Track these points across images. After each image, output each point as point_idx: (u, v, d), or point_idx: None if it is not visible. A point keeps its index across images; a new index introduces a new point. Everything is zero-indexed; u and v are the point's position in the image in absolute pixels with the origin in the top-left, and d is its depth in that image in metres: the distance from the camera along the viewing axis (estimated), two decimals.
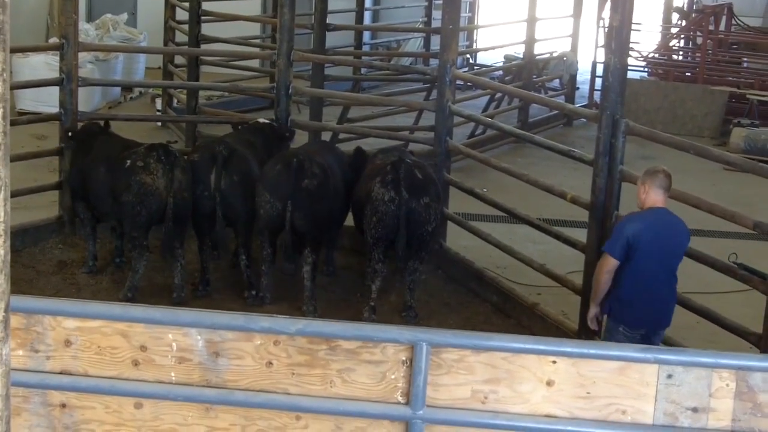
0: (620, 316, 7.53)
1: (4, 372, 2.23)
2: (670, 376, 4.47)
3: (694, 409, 4.47)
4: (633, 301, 7.44)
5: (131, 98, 20.01)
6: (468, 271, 10.70)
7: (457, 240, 11.27)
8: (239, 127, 11.29)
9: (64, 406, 4.74)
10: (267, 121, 11.39)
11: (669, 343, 8.09)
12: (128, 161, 9.75)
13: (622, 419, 4.51)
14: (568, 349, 4.57)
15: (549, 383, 4.54)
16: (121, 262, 10.64)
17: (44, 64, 17.07)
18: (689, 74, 22.33)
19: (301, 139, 11.81)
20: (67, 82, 11.32)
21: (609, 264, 7.43)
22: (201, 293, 10.04)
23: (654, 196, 7.42)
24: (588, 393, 4.53)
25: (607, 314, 7.68)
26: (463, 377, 4.59)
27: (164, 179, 9.63)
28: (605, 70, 8.99)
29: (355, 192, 10.14)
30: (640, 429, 4.50)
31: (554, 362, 4.53)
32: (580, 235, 9.31)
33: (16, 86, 14.91)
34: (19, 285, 9.48)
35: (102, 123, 10.96)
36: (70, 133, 10.87)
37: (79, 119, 11.48)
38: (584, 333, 8.87)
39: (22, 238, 10.77)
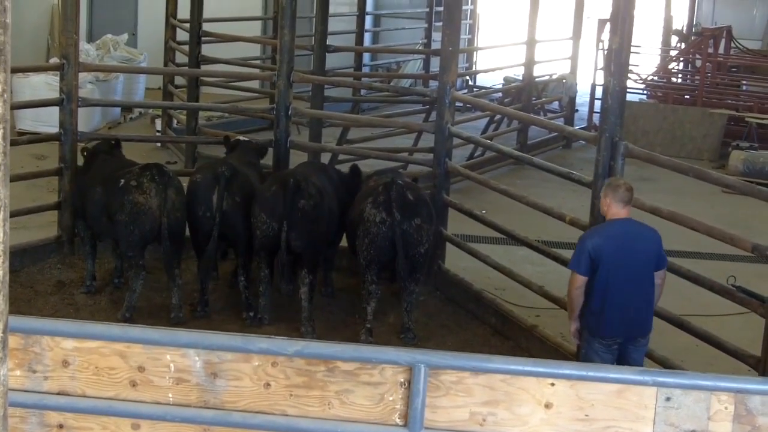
0: (594, 328, 7.69)
1: (2, 392, 2.23)
2: (668, 399, 4.46)
3: None
4: (603, 311, 7.58)
5: (131, 119, 20.04)
6: (467, 293, 10.69)
7: (455, 261, 11.27)
8: (230, 146, 11.33)
9: (61, 426, 4.73)
10: (243, 138, 11.52)
11: (667, 365, 8.09)
12: (122, 180, 9.77)
13: None
14: (567, 372, 4.57)
15: (547, 405, 4.53)
16: (119, 283, 10.64)
17: (44, 84, 17.11)
18: (688, 97, 22.37)
19: (298, 159, 11.80)
20: (67, 102, 11.34)
21: (577, 281, 7.64)
22: (200, 314, 10.02)
23: (615, 209, 7.63)
24: (586, 415, 4.52)
25: (584, 326, 7.81)
26: (461, 399, 4.58)
27: (157, 199, 9.65)
28: (604, 92, 9.00)
29: (349, 213, 10.15)
30: None
31: (553, 384, 4.53)
32: None
33: (16, 106, 14.94)
34: (17, 305, 9.47)
35: (113, 142, 11.03)
36: (84, 152, 10.90)
37: (78, 139, 11.50)
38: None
39: (20, 258, 10.76)
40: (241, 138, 11.52)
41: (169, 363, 4.64)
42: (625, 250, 7.57)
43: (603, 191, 7.81)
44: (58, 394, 4.69)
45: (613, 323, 7.60)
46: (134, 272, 9.79)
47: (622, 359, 7.71)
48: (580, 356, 8.01)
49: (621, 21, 8.55)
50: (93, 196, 10.12)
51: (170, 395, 4.65)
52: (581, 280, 7.61)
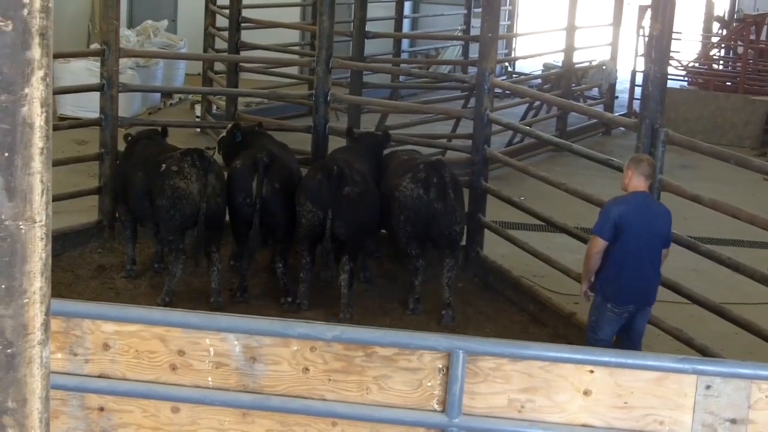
0: (608, 294, 7.91)
1: (44, 374, 2.25)
2: (708, 387, 4.44)
3: (733, 421, 4.43)
4: (619, 279, 7.83)
5: (171, 104, 20.12)
6: (505, 280, 10.66)
7: (494, 248, 11.24)
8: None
9: (102, 409, 4.77)
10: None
11: (707, 353, 8.04)
12: (163, 165, 9.82)
13: (660, 430, 4.48)
14: (606, 359, 4.56)
15: (586, 393, 4.52)
16: (159, 268, 10.70)
17: (85, 70, 17.21)
18: (730, 84, 22.16)
19: (336, 145, 11.79)
20: (108, 87, 11.41)
21: (598, 245, 7.86)
22: (239, 299, 10.06)
23: (636, 182, 7.88)
24: (625, 403, 4.50)
25: (596, 292, 8.03)
26: (499, 386, 4.58)
27: (198, 184, 9.68)
28: (645, 78, 8.94)
29: (382, 188, 10.20)
30: None
31: (591, 372, 4.51)
32: None
33: (57, 91, 15.01)
34: (58, 289, 9.56)
35: (159, 129, 11.09)
36: (127, 138, 10.94)
37: (119, 125, 11.57)
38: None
39: (62, 242, 10.85)
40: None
41: (209, 347, 4.67)
42: (645, 221, 7.83)
43: (626, 164, 8.04)
44: (98, 377, 4.73)
45: (629, 290, 7.87)
46: (174, 257, 9.85)
47: (628, 325, 8.00)
48: (589, 322, 8.20)
49: (662, 7, 8.49)
50: (134, 180, 10.19)
51: (209, 379, 4.68)
52: (603, 244, 7.84)
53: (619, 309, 7.90)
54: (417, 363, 4.58)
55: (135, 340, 4.71)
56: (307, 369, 4.63)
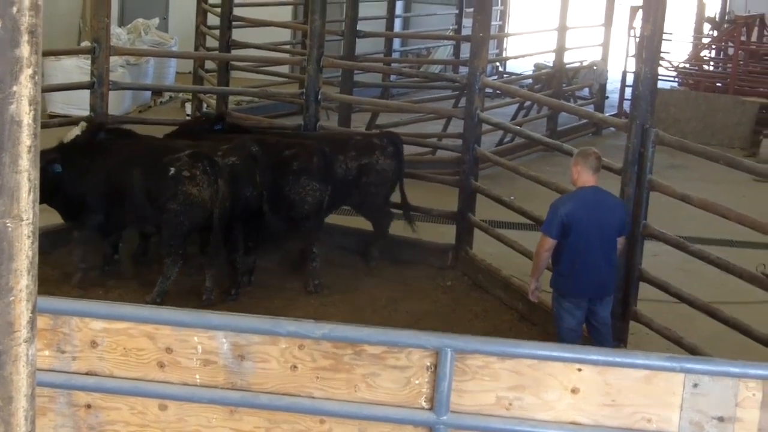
0: (563, 289, 8.18)
1: (30, 372, 2.25)
2: (696, 385, 4.44)
3: (720, 419, 4.43)
4: (572, 273, 8.06)
5: (161, 102, 20.11)
6: (494, 279, 10.67)
7: (483, 247, 11.25)
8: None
9: (89, 406, 4.76)
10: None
11: (696, 353, 8.05)
12: (172, 169, 9.70)
13: (648, 428, 4.48)
14: (594, 357, 4.56)
15: (574, 391, 4.52)
16: (109, 269, 10.59)
17: (76, 68, 17.19)
18: (720, 84, 22.21)
19: None
20: (98, 85, 11.38)
21: (547, 243, 8.07)
22: (232, 298, 10.04)
23: (585, 176, 8.10)
24: (613, 401, 4.51)
25: (552, 286, 8.30)
26: (488, 384, 4.57)
27: (209, 190, 9.65)
28: (636, 79, 8.96)
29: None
30: None
31: (580, 370, 4.51)
32: None
33: (47, 89, 14.98)
34: (46, 286, 9.53)
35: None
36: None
37: (109, 122, 11.54)
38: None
39: (52, 239, 10.80)
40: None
41: (197, 345, 4.66)
42: (595, 217, 8.01)
43: (573, 160, 8.24)
44: (86, 374, 4.72)
45: (582, 284, 8.10)
46: (172, 260, 9.76)
47: (590, 316, 8.24)
48: (553, 317, 8.43)
49: (653, 8, 8.50)
50: (125, 180, 10.00)
51: (197, 377, 4.67)
52: (551, 243, 8.03)
53: (576, 300, 8.14)
54: (405, 361, 4.58)
55: (123, 337, 4.69)
56: (296, 367, 4.63)
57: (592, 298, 8.18)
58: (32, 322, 2.28)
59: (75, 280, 10.15)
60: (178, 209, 9.66)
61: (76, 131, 10.30)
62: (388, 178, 11.04)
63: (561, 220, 7.97)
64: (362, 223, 11.53)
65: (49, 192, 9.48)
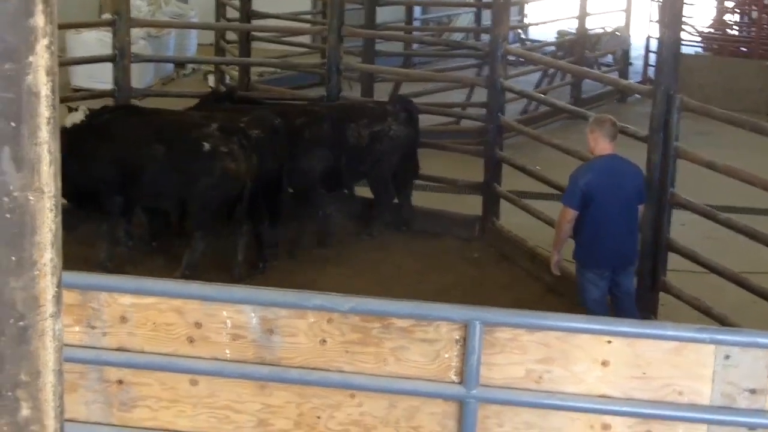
0: (586, 260, 8.19)
1: (57, 347, 2.24)
2: (727, 357, 4.42)
3: (752, 391, 4.41)
4: (594, 244, 8.07)
5: (184, 75, 20.08)
6: (521, 250, 10.63)
7: (510, 218, 11.20)
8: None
9: (120, 382, 4.78)
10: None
11: (726, 323, 8.01)
12: (205, 144, 9.67)
13: (679, 400, 4.47)
14: (624, 329, 4.54)
15: (604, 363, 4.51)
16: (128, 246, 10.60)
17: (97, 41, 17.15)
18: (744, 49, 22.00)
19: None
20: (120, 58, 11.38)
21: (568, 215, 8.08)
22: (261, 270, 10.08)
23: (603, 144, 8.12)
24: (644, 373, 4.49)
25: (576, 258, 8.31)
26: (517, 356, 4.56)
27: (245, 164, 9.68)
28: (659, 44, 8.89)
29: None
30: (697, 410, 4.45)
31: (609, 342, 4.50)
32: None
33: (69, 62, 15.00)
34: (74, 262, 9.56)
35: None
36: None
37: (133, 95, 11.55)
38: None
39: (78, 215, 10.80)
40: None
41: (226, 319, 4.67)
42: (614, 185, 8.04)
43: (589, 127, 8.24)
44: (116, 350, 4.73)
45: (605, 254, 8.09)
46: (201, 234, 9.76)
47: (613, 287, 8.26)
48: (578, 289, 8.40)
49: None
50: (146, 157, 9.86)
51: (227, 351, 4.68)
52: (573, 214, 8.03)
53: (599, 271, 8.14)
54: (434, 334, 4.57)
55: (152, 312, 4.70)
56: (324, 341, 4.63)
57: (616, 268, 8.17)
58: (58, 297, 2.27)
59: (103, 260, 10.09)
60: (213, 183, 9.64)
61: (78, 115, 10.12)
62: (400, 146, 11.01)
63: (581, 191, 7.98)
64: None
65: None
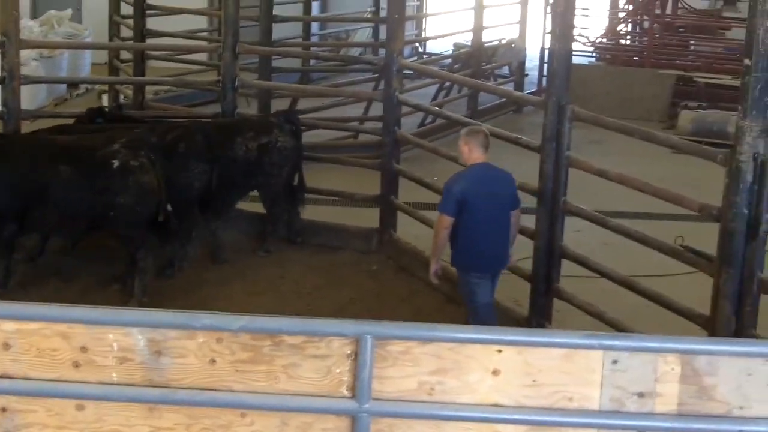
0: (465, 265, 8.41)
1: None
2: (615, 362, 4.45)
3: (640, 394, 4.45)
4: (472, 249, 8.31)
5: (78, 95, 19.77)
6: (419, 261, 10.63)
7: (408, 230, 11.24)
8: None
9: (4, 410, 4.65)
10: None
11: (619, 328, 8.12)
12: (115, 162, 9.46)
13: (569, 406, 4.49)
14: (514, 338, 4.55)
15: (495, 372, 4.51)
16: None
17: None
18: (637, 58, 22.42)
19: None
20: (9, 80, 11.13)
21: (445, 222, 8.26)
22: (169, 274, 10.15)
23: (476, 154, 8.35)
24: (534, 381, 4.50)
25: (456, 266, 8.51)
26: (409, 369, 4.54)
27: (156, 177, 9.55)
28: (550, 55, 9.00)
29: None
30: (586, 415, 4.48)
31: (500, 351, 4.50)
32: (529, 221, 9.29)
33: None
34: None
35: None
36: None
37: (22, 117, 11.32)
38: (534, 319, 8.91)
39: None
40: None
41: (113, 342, 4.57)
42: (488, 192, 8.28)
43: (462, 139, 8.46)
44: (0, 377, 4.61)
45: (483, 259, 8.37)
46: (144, 252, 9.58)
47: None
48: (463, 295, 8.61)
49: None
50: (54, 177, 9.44)
51: (114, 375, 4.58)
52: (449, 221, 8.21)
53: (480, 276, 8.36)
54: (326, 350, 4.53)
55: (36, 338, 4.58)
56: (214, 360, 4.56)
57: (493, 270, 8.48)
58: None
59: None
60: (132, 201, 9.47)
61: None
62: (289, 158, 11.01)
63: (456, 198, 8.18)
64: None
65: None
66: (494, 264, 8.47)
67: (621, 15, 25.27)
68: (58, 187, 9.43)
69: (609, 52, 22.91)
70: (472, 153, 8.36)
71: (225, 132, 10.81)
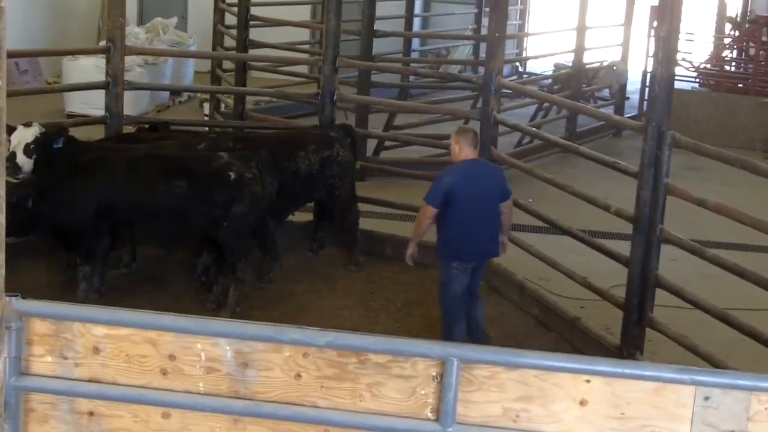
0: (448, 254, 8.76)
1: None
2: (707, 398, 4.35)
3: None
4: (458, 238, 8.68)
5: (180, 102, 20.09)
6: (510, 283, 10.58)
7: None
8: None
9: (92, 414, 4.70)
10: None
11: (711, 360, 7.95)
12: (232, 174, 9.56)
13: None
14: (603, 368, 4.46)
15: (582, 402, 4.43)
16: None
17: (94, 67, 17.14)
18: (741, 85, 22.03)
19: None
20: (113, 85, 11.35)
21: (429, 212, 8.64)
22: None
23: (466, 151, 8.75)
24: (622, 414, 4.42)
25: (440, 254, 8.85)
26: (494, 394, 4.49)
27: (261, 186, 9.87)
28: (652, 80, 8.85)
29: None
30: None
31: (588, 381, 4.43)
32: (624, 248, 9.15)
33: (63, 89, 14.96)
34: (50, 291, 9.51)
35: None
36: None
37: (124, 122, 11.51)
38: (626, 349, 8.76)
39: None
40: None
41: (200, 352, 4.60)
42: (476, 185, 8.68)
43: (453, 138, 8.88)
44: (89, 381, 4.66)
45: (469, 249, 8.75)
46: (244, 262, 9.73)
47: (470, 278, 8.89)
48: (440, 283, 8.95)
49: (669, 7, 8.39)
50: (168, 191, 9.52)
51: (201, 384, 4.61)
52: (432, 212, 8.60)
53: (464, 265, 8.74)
54: (411, 370, 4.50)
55: (126, 343, 4.64)
56: (300, 375, 4.56)
57: (478, 261, 8.90)
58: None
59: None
60: (246, 211, 9.61)
61: (32, 131, 9.73)
62: (349, 171, 11.14)
63: (444, 190, 8.54)
64: (375, 225, 11.54)
65: (30, 226, 9.27)
66: (477, 255, 8.85)
67: (726, 41, 24.89)
68: (171, 201, 9.50)
69: (713, 78, 22.54)
70: (462, 150, 8.75)
71: (288, 145, 10.87)
